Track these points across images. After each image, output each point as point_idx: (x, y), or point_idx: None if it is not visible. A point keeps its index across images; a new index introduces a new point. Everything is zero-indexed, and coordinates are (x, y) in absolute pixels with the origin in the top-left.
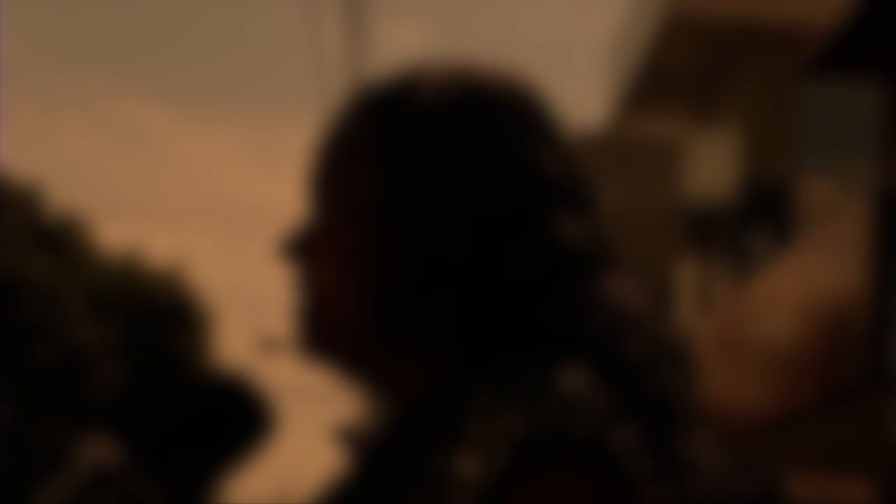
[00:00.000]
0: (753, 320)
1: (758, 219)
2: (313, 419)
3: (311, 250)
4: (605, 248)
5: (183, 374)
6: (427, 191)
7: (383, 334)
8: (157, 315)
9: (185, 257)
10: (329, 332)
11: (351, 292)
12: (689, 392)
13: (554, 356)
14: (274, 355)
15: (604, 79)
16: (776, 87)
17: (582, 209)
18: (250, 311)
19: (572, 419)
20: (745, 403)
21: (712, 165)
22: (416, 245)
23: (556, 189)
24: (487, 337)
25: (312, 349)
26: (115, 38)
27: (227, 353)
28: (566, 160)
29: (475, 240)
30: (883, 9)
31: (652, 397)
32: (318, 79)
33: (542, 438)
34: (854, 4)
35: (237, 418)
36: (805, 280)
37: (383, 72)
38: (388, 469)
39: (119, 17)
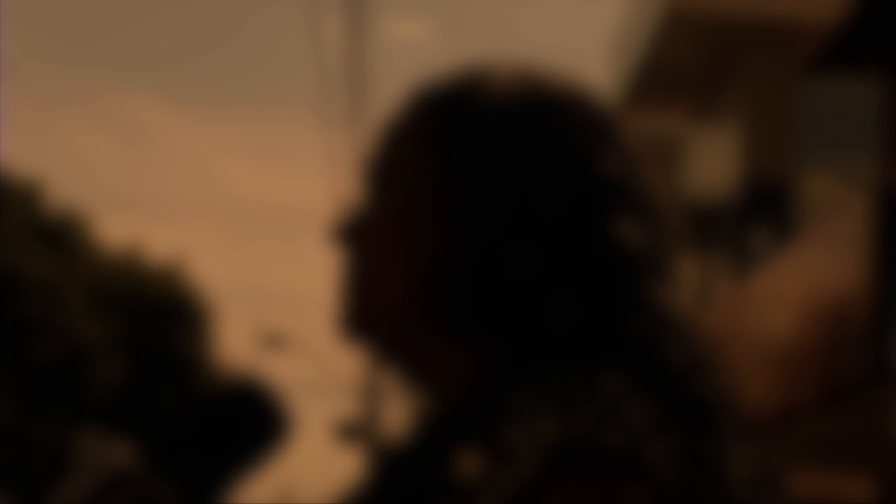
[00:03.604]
0: (754, 316)
1: (758, 215)
2: (314, 414)
3: (362, 236)
4: (657, 253)
5: (184, 370)
6: (482, 184)
7: (428, 323)
8: (158, 311)
9: (185, 253)
10: (375, 317)
11: (400, 279)
12: (729, 400)
13: (595, 360)
14: (275, 351)
15: (605, 75)
16: (777, 84)
17: (637, 213)
18: (251, 306)
19: (607, 428)
20: (746, 399)
21: (713, 161)
22: (466, 236)
23: (612, 192)
24: (529, 335)
25: (356, 333)
26: (115, 34)
27: (228, 349)
28: (626, 164)
29: (525, 236)
30: (883, 5)
31: (692, 406)
32: (319, 75)
33: (574, 447)
34: (854, 1)
35: (252, 421)
36: (805, 276)
37: (390, 71)
38: (414, 470)
39: (119, 12)
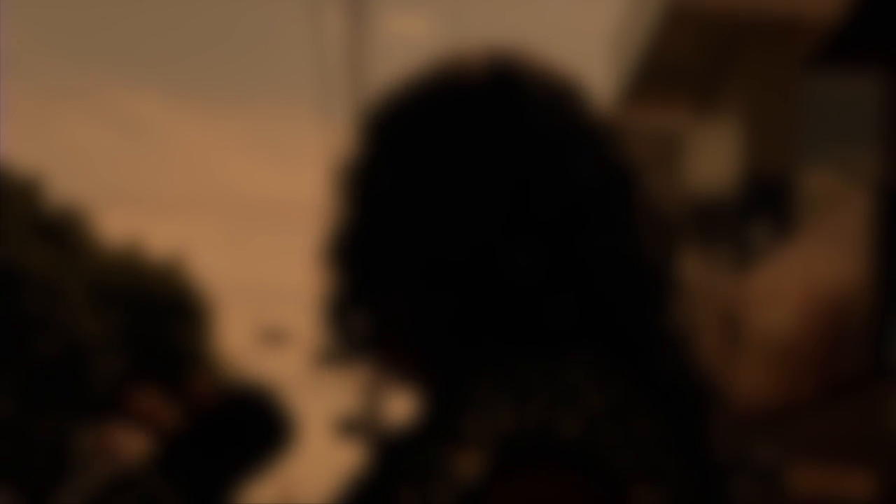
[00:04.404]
0: (754, 312)
1: (759, 210)
2: (315, 410)
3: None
4: (635, 243)
5: (184, 365)
6: (428, 189)
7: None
8: (158, 307)
9: (185, 248)
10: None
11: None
12: (708, 386)
13: (561, 347)
14: (275, 346)
15: (605, 71)
16: (777, 79)
17: (608, 201)
18: (251, 302)
19: (563, 417)
20: (746, 394)
21: (713, 157)
22: (415, 243)
23: (562, 186)
24: (491, 328)
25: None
26: (115, 30)
27: (229, 344)
28: (584, 151)
29: (476, 236)
30: (883, 1)
31: (664, 392)
32: (320, 70)
33: (529, 436)
34: None
35: (257, 427)
36: (806, 272)
37: (389, 67)
38: (393, 463)
39: (120, 8)
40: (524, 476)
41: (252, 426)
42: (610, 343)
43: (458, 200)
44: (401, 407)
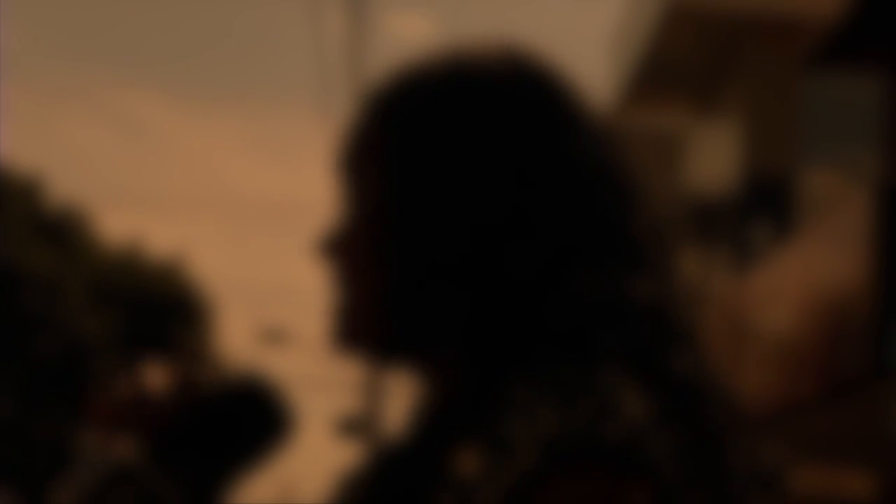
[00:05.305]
0: (754, 312)
1: (759, 210)
2: (315, 410)
3: (341, 249)
4: (648, 245)
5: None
6: (430, 190)
7: (400, 333)
8: (159, 306)
9: (186, 248)
10: (358, 329)
11: (368, 291)
12: (729, 395)
13: (594, 354)
14: (275, 346)
15: (605, 70)
16: (777, 79)
17: (616, 201)
18: (251, 302)
19: (608, 422)
20: (746, 395)
21: (713, 157)
22: (421, 245)
23: (579, 181)
24: (527, 329)
25: (345, 345)
26: (116, 30)
27: (229, 344)
28: (592, 148)
29: (483, 237)
30: (883, 1)
31: (691, 400)
32: (320, 70)
33: (573, 441)
34: None
35: (255, 419)
36: (806, 272)
37: (390, 64)
38: (413, 464)
39: (120, 8)
40: (570, 479)
41: (250, 418)
42: (632, 349)
43: (470, 193)
44: (401, 407)
